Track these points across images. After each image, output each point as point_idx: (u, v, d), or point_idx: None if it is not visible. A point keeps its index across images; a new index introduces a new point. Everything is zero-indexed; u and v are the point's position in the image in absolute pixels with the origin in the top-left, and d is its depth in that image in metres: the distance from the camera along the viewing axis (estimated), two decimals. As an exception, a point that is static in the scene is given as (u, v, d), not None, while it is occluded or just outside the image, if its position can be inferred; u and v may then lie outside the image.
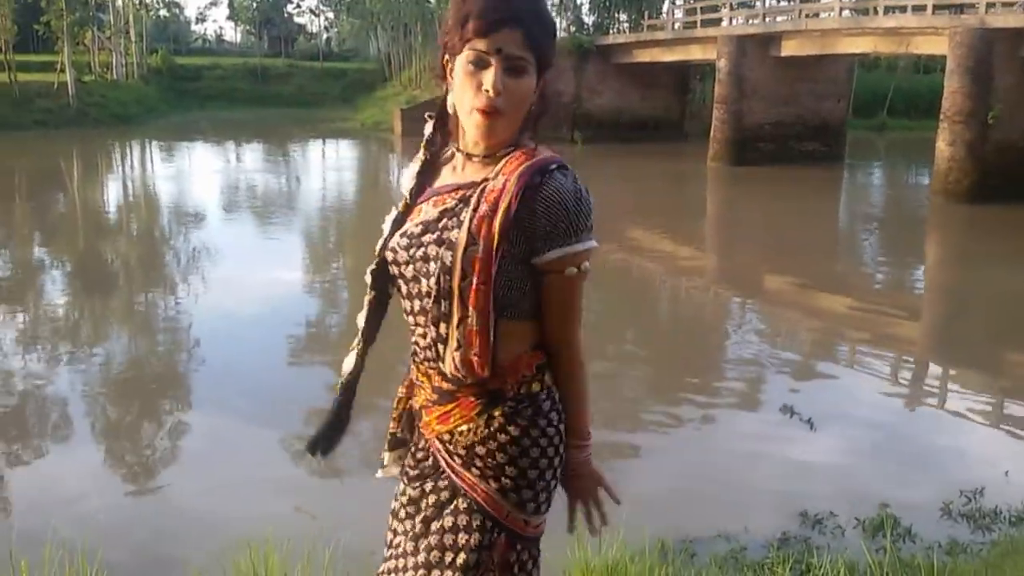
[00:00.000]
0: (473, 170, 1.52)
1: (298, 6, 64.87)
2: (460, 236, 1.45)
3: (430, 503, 1.58)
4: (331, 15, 61.52)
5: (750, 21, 24.80)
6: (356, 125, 35.38)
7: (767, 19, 23.97)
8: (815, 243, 14.22)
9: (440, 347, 1.51)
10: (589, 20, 35.51)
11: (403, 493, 1.65)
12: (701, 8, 25.71)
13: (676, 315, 10.34)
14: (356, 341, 1.70)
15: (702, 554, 4.09)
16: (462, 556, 1.52)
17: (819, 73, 23.50)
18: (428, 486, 1.60)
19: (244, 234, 14.00)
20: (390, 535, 1.67)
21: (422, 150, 1.61)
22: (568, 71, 29.58)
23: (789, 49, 22.03)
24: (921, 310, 10.72)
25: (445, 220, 1.50)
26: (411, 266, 1.52)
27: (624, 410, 6.71)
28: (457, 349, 1.48)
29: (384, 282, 1.63)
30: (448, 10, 1.49)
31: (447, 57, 1.50)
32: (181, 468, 5.46)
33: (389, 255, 1.57)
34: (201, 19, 73.95)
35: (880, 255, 14.04)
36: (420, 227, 1.53)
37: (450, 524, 1.54)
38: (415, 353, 1.59)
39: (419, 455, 1.64)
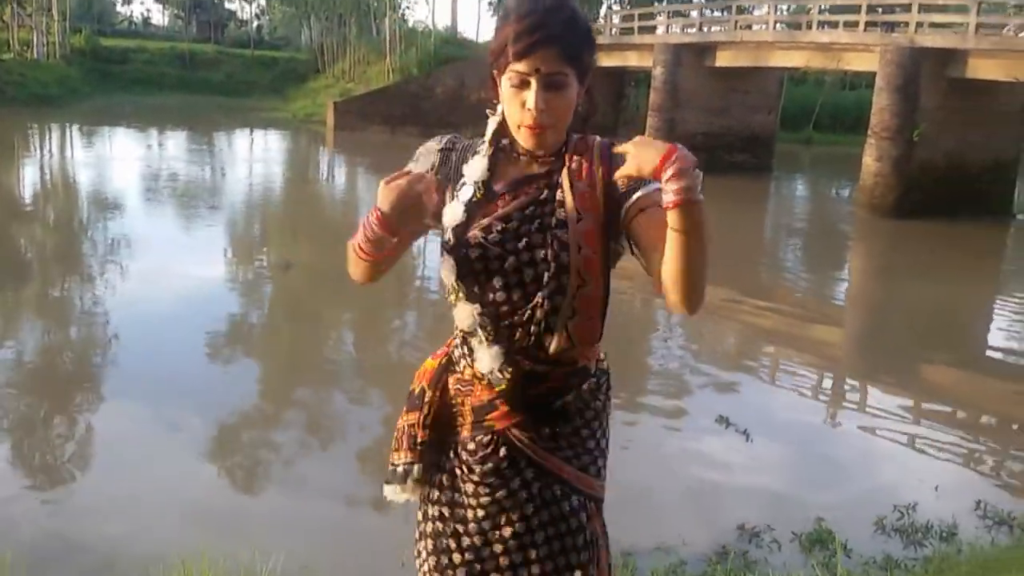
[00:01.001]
0: (538, 165, 1.63)
1: (230, -8, 63.32)
2: (569, 214, 1.55)
3: (522, 498, 1.63)
4: (263, 2, 60.29)
5: (686, 30, 25.06)
6: (287, 116, 34.66)
7: (703, 29, 24.25)
8: (744, 254, 14.39)
9: (552, 321, 1.56)
10: (527, 21, 35.48)
11: (473, 495, 1.65)
12: (639, 15, 25.88)
13: (606, 324, 10.30)
14: (481, 334, 1.63)
15: (643, 568, 4.00)
16: (581, 537, 1.64)
17: (751, 85, 23.87)
18: (515, 482, 1.63)
19: (165, 225, 13.48)
20: (448, 540, 1.68)
21: (488, 145, 1.67)
22: (505, 71, 29.51)
23: (723, 60, 22.32)
24: (846, 321, 10.91)
25: (540, 209, 1.58)
26: (511, 258, 1.57)
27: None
28: (571, 318, 1.56)
29: (467, 274, 1.61)
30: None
31: (495, 73, 1.60)
32: (93, 475, 5.18)
33: (476, 251, 1.59)
34: (128, 1, 71.49)
35: (808, 266, 14.28)
36: (514, 222, 1.59)
37: (557, 514, 1.63)
38: (489, 341, 1.62)
39: (485, 452, 1.64)
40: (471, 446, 1.66)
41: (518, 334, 1.59)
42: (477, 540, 1.65)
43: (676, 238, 1.38)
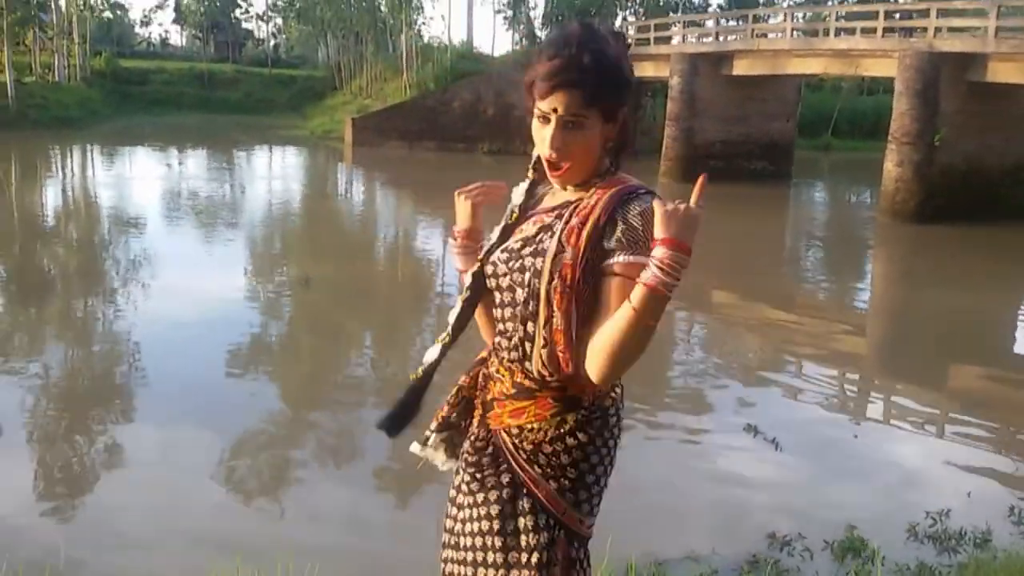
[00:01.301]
0: (568, 195, 1.69)
1: (246, 11, 63.86)
2: (551, 244, 1.60)
3: (491, 498, 1.69)
4: (280, 21, 60.82)
5: (702, 40, 25.05)
6: (305, 133, 34.90)
7: (719, 38, 24.23)
8: (765, 261, 14.33)
9: (528, 345, 1.64)
10: (542, 34, 35.52)
11: (461, 480, 1.76)
12: (654, 26, 25.89)
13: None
14: (444, 335, 1.81)
15: (673, 577, 3.96)
16: (535, 555, 1.64)
17: (768, 93, 23.80)
18: (490, 480, 1.70)
19: (185, 243, 13.58)
20: (449, 522, 1.79)
21: (530, 171, 1.77)
22: (520, 84, 29.45)
23: (740, 68, 22.28)
24: (869, 328, 10.80)
25: (541, 235, 1.65)
26: (508, 277, 1.68)
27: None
28: (544, 347, 1.61)
29: (479, 287, 1.75)
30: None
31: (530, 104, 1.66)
32: (111, 492, 5.21)
33: (489, 268, 1.72)
34: (146, 22, 72.43)
35: (829, 273, 14.18)
36: (520, 243, 1.68)
37: (522, 526, 1.66)
38: (499, 350, 1.73)
39: (478, 444, 1.75)
40: (472, 437, 1.78)
41: (512, 344, 1.68)
42: (458, 526, 1.76)
43: (629, 315, 1.46)
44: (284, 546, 4.39)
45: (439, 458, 1.89)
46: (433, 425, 1.88)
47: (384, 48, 39.91)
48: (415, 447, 1.90)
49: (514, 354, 1.67)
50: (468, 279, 1.76)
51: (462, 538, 1.74)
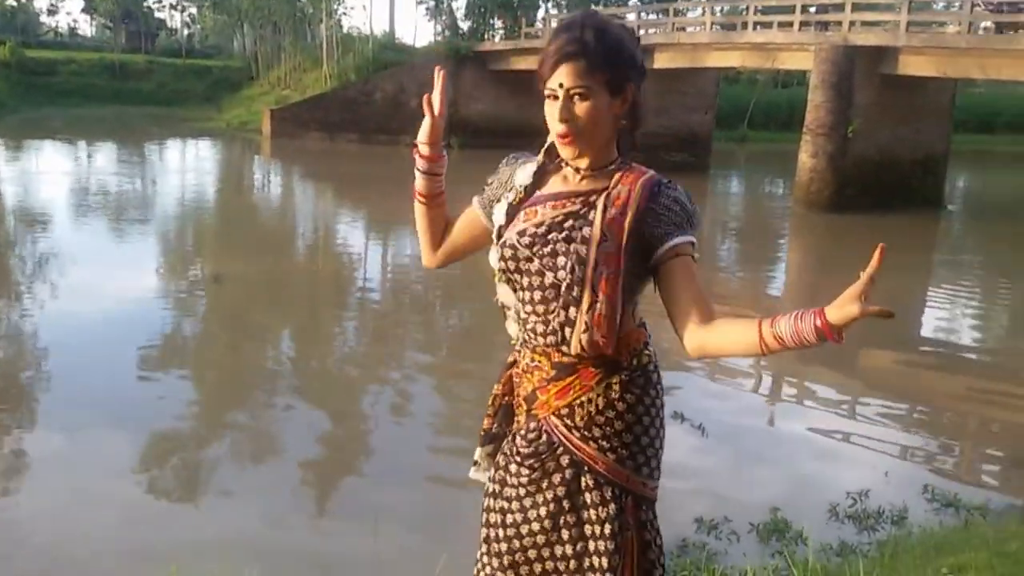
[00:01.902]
0: (587, 182, 1.74)
1: (159, 0, 61.84)
2: (594, 233, 1.66)
3: (555, 482, 1.74)
4: (194, 11, 59.16)
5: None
6: (221, 125, 34.05)
7: (640, 32, 24.45)
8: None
9: (567, 330, 1.68)
10: (464, 26, 35.36)
11: (515, 475, 1.79)
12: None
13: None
14: (512, 310, 1.81)
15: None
16: (608, 526, 1.70)
17: (688, 85, 24.15)
18: (550, 465, 1.75)
19: (94, 240, 13.07)
20: (497, 516, 1.81)
21: (541, 155, 1.81)
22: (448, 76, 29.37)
23: (662, 62, 22.54)
24: (782, 311, 11.01)
25: (571, 221, 1.70)
26: (536, 261, 1.71)
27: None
28: (585, 331, 1.66)
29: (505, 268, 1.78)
30: None
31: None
32: (17, 497, 4.98)
33: (508, 251, 1.74)
34: (53, 11, 69.28)
35: (746, 262, 14.44)
36: (544, 228, 1.72)
37: (589, 501, 1.72)
38: (527, 341, 1.77)
39: (530, 436, 1.78)
40: (522, 432, 1.80)
41: (546, 329, 1.72)
42: (518, 517, 1.78)
43: (753, 343, 1.59)
44: (208, 551, 4.26)
45: (488, 475, 1.90)
46: (480, 443, 1.94)
47: (303, 38, 39.20)
48: (472, 473, 1.95)
49: (551, 338, 1.72)
50: (496, 264, 1.76)
51: (525, 526, 1.77)
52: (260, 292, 10.21)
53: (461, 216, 1.95)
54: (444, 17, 36.64)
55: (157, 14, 63.44)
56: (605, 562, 1.70)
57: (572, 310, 1.67)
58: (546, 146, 1.79)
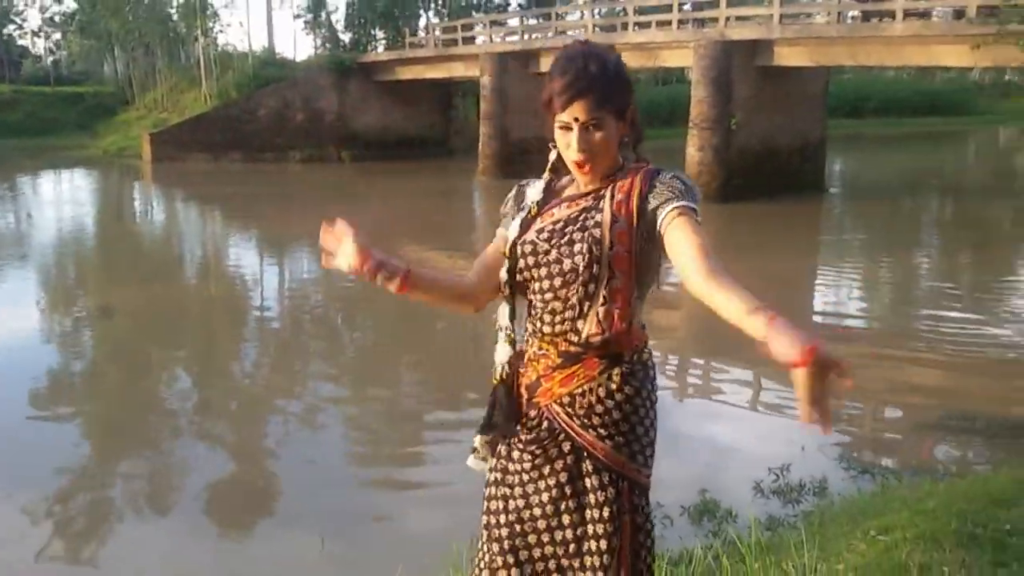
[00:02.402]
0: (597, 183, 1.89)
1: (20, 27, 58.89)
2: (605, 216, 1.82)
3: (557, 467, 1.85)
4: (58, 36, 56.65)
5: (507, 39, 25.42)
6: (98, 152, 32.66)
7: (525, 36, 24.66)
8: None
9: (586, 305, 1.82)
10: (345, 38, 34.91)
11: (518, 460, 1.89)
12: (461, 26, 26.04)
13: (459, 331, 10.21)
14: (504, 332, 1.96)
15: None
16: (606, 509, 1.81)
17: None
18: (552, 451, 1.85)
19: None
20: (499, 503, 1.90)
21: (547, 172, 1.98)
22: (329, 90, 28.99)
23: (547, 65, 22.47)
24: (673, 302, 11.24)
25: (584, 214, 1.86)
26: (553, 251, 1.85)
27: (416, 431, 6.52)
28: (603, 304, 1.80)
29: (513, 279, 1.91)
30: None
31: (549, 117, 1.87)
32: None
33: (528, 247, 1.87)
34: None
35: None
36: (561, 223, 1.88)
37: (589, 485, 1.83)
38: (536, 330, 1.89)
39: (531, 424, 1.89)
40: (524, 420, 1.91)
41: (557, 318, 1.85)
42: (520, 502, 1.88)
43: (738, 315, 1.65)
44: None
45: (488, 464, 2.00)
46: (476, 430, 2.02)
47: (178, 59, 38.02)
48: (471, 461, 2.03)
49: (559, 327, 1.85)
50: (505, 275, 1.90)
51: (527, 511, 1.87)
52: (151, 323, 9.79)
53: (490, 247, 2.02)
54: (323, 30, 36.10)
55: (20, 42, 60.50)
56: (604, 544, 1.82)
57: (591, 286, 1.81)
58: (550, 163, 1.96)
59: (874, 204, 19.02)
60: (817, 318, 9.97)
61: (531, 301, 1.91)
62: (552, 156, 1.94)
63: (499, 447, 1.96)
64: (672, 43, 19.20)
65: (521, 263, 1.88)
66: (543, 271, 1.86)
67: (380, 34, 35.67)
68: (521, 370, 1.94)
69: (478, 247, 14.08)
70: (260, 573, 4.49)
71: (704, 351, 8.69)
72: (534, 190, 2.00)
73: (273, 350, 8.88)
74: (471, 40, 26.06)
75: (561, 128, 1.84)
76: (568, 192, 1.95)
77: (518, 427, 1.92)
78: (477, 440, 2.01)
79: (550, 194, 1.98)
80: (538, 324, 1.89)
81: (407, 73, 28.09)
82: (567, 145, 1.84)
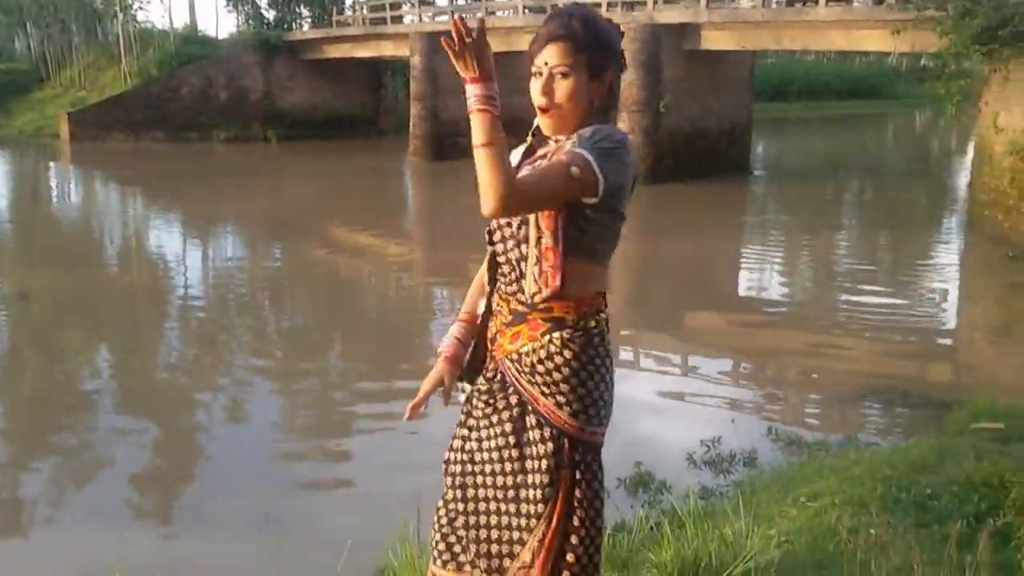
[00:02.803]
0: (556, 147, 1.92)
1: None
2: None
3: (504, 418, 1.95)
4: (-36, 11, 54.04)
5: (436, 18, 25.22)
6: (13, 132, 31.34)
7: (454, 16, 24.44)
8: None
9: (523, 265, 1.89)
10: (269, 15, 34.13)
11: (475, 407, 2.01)
12: (389, 4, 25.73)
13: (388, 309, 10.18)
14: (485, 288, 2.04)
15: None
16: (545, 461, 1.90)
17: (505, 69, 23.56)
18: (501, 402, 1.95)
19: None
20: (459, 442, 2.02)
21: (529, 137, 2.00)
22: (254, 68, 28.38)
23: (476, 45, 22.59)
24: (614, 281, 11.40)
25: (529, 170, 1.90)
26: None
27: (350, 406, 6.51)
28: (535, 263, 1.86)
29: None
30: None
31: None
32: None
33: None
34: None
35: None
36: None
37: (532, 438, 1.92)
38: (499, 287, 1.98)
39: (488, 374, 2.00)
40: (485, 370, 2.02)
41: (507, 277, 1.94)
42: (474, 444, 1.99)
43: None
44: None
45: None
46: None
47: (95, 35, 36.68)
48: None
49: (512, 287, 1.93)
50: (487, 235, 1.98)
51: (479, 453, 1.97)
52: (72, 307, 9.52)
53: None
54: (247, 7, 35.23)
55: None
56: (539, 494, 1.90)
57: (523, 246, 1.87)
58: (533, 128, 1.98)
59: (797, 186, 19.50)
60: (743, 301, 10.22)
61: (499, 257, 1.98)
62: (536, 123, 1.97)
63: (470, 391, 2.07)
64: (602, 25, 19.29)
65: (491, 224, 1.95)
66: (507, 231, 1.93)
67: (305, 12, 35.03)
68: (489, 323, 2.02)
69: (409, 228, 14.15)
70: (200, 560, 4.44)
71: (635, 326, 8.84)
72: (516, 154, 2.02)
73: (197, 330, 8.72)
74: (399, 19, 25.79)
75: (534, 75, 1.88)
76: (538, 153, 1.98)
77: (480, 376, 2.03)
78: (463, 385, 2.12)
79: (526, 157, 2.01)
80: (500, 281, 1.97)
81: (335, 51, 27.68)
82: (535, 91, 1.88)
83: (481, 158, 1.71)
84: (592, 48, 1.85)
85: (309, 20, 35.19)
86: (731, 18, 16.86)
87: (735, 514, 3.39)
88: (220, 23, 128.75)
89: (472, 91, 1.73)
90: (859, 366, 7.35)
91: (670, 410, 6.34)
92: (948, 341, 8.66)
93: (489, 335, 2.02)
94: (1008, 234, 11.46)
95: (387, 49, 25.72)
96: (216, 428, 6.19)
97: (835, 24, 15.86)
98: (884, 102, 42.09)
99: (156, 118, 27.44)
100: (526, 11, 21.94)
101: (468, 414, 2.04)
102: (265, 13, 34.30)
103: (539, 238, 1.84)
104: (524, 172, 1.88)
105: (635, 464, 4.98)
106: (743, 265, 12.32)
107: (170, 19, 36.89)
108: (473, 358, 2.09)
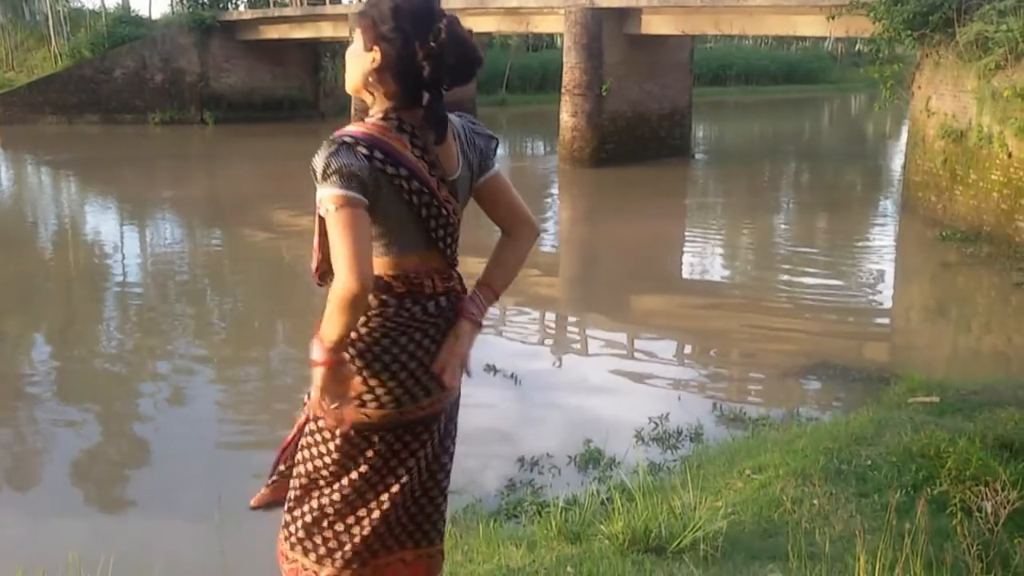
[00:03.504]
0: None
1: None
2: None
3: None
4: None
5: (376, -1, 24.84)
6: (-65, 114, 30.23)
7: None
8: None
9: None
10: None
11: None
12: (328, -16, 25.34)
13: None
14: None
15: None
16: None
17: None
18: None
19: None
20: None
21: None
22: (190, 49, 27.71)
23: (417, 26, 22.39)
24: (559, 266, 11.47)
25: None
26: None
27: (289, 396, 6.44)
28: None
29: None
30: None
31: None
32: None
33: None
34: None
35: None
36: None
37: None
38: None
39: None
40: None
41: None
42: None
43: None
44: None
45: None
46: None
47: (21, 14, 35.47)
48: None
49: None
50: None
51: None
52: (3, 295, 9.24)
53: None
54: (182, -14, 34.37)
55: None
56: None
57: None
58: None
59: (737, 168, 19.80)
60: (686, 283, 10.37)
61: None
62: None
63: None
64: (543, 9, 19.29)
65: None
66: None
67: (242, -9, 34.37)
68: None
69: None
70: (134, 527, 4.39)
71: (581, 308, 8.93)
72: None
73: (136, 317, 8.54)
74: (338, 0, 25.43)
75: None
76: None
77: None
78: None
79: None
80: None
81: (273, 32, 27.18)
82: None
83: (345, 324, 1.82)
84: (367, 16, 1.92)
85: (245, 1, 34.50)
86: (670, 3, 16.98)
87: (683, 487, 3.47)
88: (153, 3, 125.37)
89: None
90: (799, 344, 7.53)
91: (617, 389, 6.42)
92: (884, 319, 8.91)
93: None
94: (941, 215, 11.80)
95: (326, 30, 25.36)
96: (157, 418, 6.06)
97: (772, 9, 16.09)
98: (820, 86, 42.87)
99: (89, 100, 26.68)
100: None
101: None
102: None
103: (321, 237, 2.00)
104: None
105: (585, 442, 5.05)
106: (686, 247, 12.50)
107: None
108: None
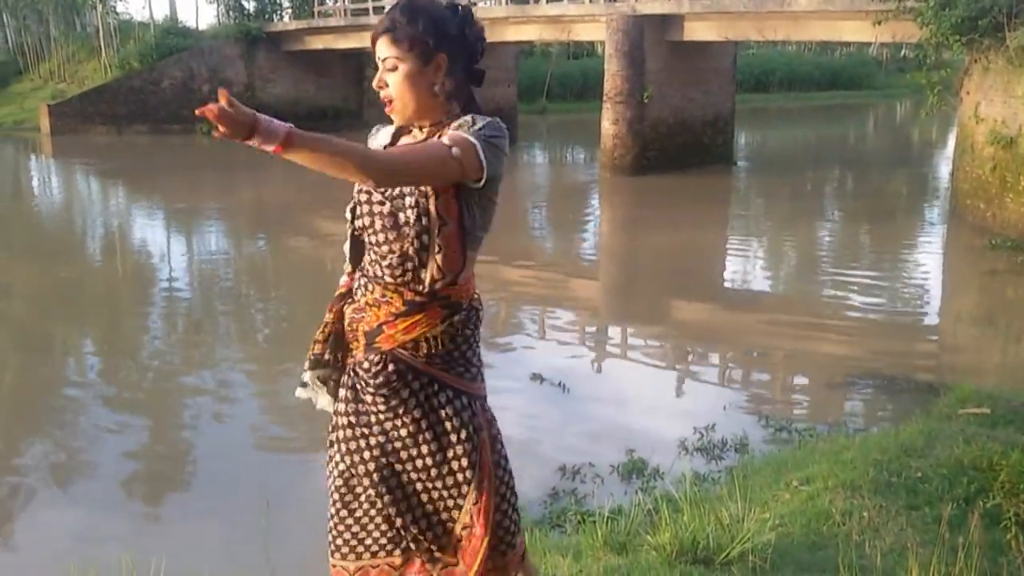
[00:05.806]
0: (427, 133, 1.95)
1: None
2: None
3: (411, 405, 1.96)
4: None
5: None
6: (-9, 126, 31.08)
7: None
8: (505, 220, 14.71)
9: (424, 255, 1.89)
10: (250, 6, 33.89)
11: (372, 403, 1.98)
12: (371, -5, 25.62)
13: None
14: (346, 265, 2.09)
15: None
16: (463, 431, 1.97)
17: (490, 60, 23.97)
18: (404, 391, 1.95)
19: None
20: (358, 442, 2.00)
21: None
22: (236, 60, 28.18)
23: (461, 36, 22.52)
24: (600, 274, 11.44)
25: None
26: (389, 203, 1.88)
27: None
28: (439, 252, 1.89)
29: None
30: None
31: None
32: None
33: (364, 196, 1.94)
34: None
35: (562, 228, 14.82)
36: None
37: (442, 415, 1.97)
38: (379, 278, 1.95)
39: (377, 367, 1.96)
40: (365, 365, 1.98)
41: (398, 269, 1.91)
42: (381, 438, 1.99)
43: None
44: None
45: (323, 399, 2.11)
46: (305, 365, 2.10)
47: (73, 27, 36.33)
48: (299, 392, 2.13)
49: (401, 277, 1.91)
50: (348, 215, 2.00)
51: (391, 444, 1.98)
52: (53, 302, 9.46)
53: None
54: (228, -1, 34.96)
55: None
56: (465, 462, 1.97)
57: (425, 237, 1.87)
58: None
59: (781, 176, 19.60)
60: (729, 292, 10.29)
61: (369, 247, 1.96)
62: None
63: (343, 391, 2.04)
64: (585, 17, 19.30)
65: (359, 210, 1.96)
66: (378, 223, 1.91)
67: (286, 2, 34.83)
68: (355, 315, 2.00)
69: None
70: (177, 537, 4.46)
71: (624, 317, 8.90)
72: (385, 134, 2.07)
73: (182, 324, 8.69)
74: (381, 10, 25.66)
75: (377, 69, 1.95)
76: (407, 139, 2.00)
77: (360, 372, 1.99)
78: (307, 375, 2.10)
79: (396, 141, 2.03)
80: (379, 272, 1.94)
81: (317, 43, 27.53)
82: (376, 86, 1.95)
83: (326, 163, 1.71)
84: (416, 35, 1.86)
85: (289, 11, 34.98)
86: (713, 9, 16.90)
87: (730, 498, 3.44)
88: (200, 14, 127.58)
89: (260, 144, 1.66)
90: (846, 354, 7.43)
91: (659, 399, 6.39)
92: (932, 329, 8.76)
93: (362, 328, 1.99)
94: (990, 222, 11.59)
95: (368, 41, 25.60)
96: (201, 427, 6.13)
97: (816, 14, 15.93)
98: (865, 92, 42.33)
99: (138, 111, 27.23)
100: (508, 2, 21.93)
101: (357, 412, 2.01)
102: (245, 3, 34.04)
103: (441, 226, 1.87)
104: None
105: (628, 451, 5.03)
106: (729, 256, 12.39)
107: (150, 10, 36.48)
108: (326, 353, 2.08)
